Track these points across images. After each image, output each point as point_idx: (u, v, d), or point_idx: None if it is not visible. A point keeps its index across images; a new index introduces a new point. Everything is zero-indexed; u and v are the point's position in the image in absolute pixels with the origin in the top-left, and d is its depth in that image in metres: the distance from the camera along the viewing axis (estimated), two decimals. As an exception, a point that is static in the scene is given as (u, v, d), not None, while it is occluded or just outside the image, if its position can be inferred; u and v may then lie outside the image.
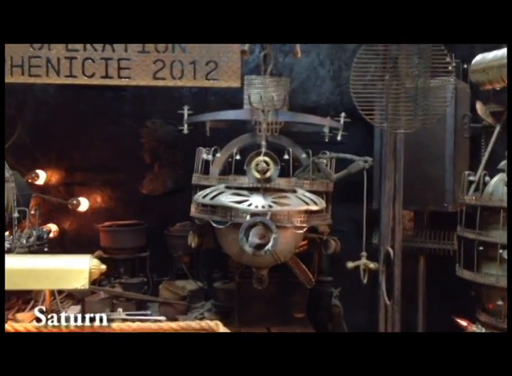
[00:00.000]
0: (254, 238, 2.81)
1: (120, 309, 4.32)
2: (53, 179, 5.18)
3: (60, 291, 4.52)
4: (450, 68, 3.55)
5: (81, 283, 2.86)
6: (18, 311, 4.32)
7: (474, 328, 3.52)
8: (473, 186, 3.64)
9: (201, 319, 4.40)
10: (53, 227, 4.94)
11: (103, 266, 3.06)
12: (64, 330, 2.56)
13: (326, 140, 3.75)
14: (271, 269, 3.68)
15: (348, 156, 3.41)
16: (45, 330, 2.57)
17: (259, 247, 2.84)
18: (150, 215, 5.11)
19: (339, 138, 3.64)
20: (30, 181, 4.82)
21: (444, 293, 4.69)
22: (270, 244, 2.88)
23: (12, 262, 2.69)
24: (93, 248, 4.69)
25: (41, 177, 4.91)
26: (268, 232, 2.88)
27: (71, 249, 5.13)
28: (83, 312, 4.36)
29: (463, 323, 3.64)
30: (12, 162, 4.80)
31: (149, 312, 4.42)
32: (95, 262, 3.00)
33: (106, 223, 4.99)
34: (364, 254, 3.42)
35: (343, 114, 3.71)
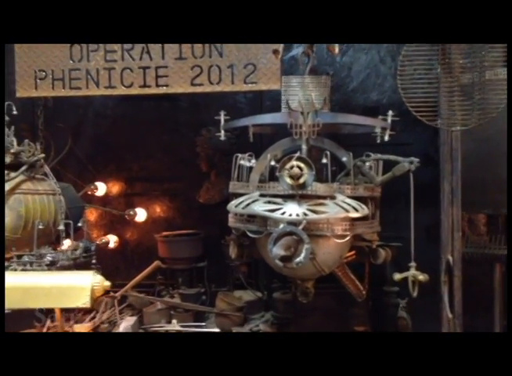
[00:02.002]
0: (278, 249, 2.62)
1: (174, 321, 4.31)
2: (113, 191, 5.25)
3: (121, 301, 4.58)
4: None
5: (83, 301, 2.78)
6: (77, 322, 4.39)
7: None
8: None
9: (257, 331, 4.28)
10: (113, 238, 5.00)
11: (107, 283, 2.96)
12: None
13: (378, 141, 3.49)
14: (328, 279, 3.49)
15: (392, 157, 3.13)
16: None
17: (285, 259, 2.64)
18: (208, 225, 5.04)
19: (386, 138, 3.36)
20: (89, 193, 4.89)
21: (523, 303, 4.26)
22: (302, 255, 2.66)
23: (11, 279, 2.65)
24: (153, 258, 4.70)
25: (101, 189, 4.98)
26: (299, 242, 2.67)
27: (132, 259, 5.21)
28: (141, 322, 4.38)
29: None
30: (72, 175, 4.95)
31: (203, 323, 4.37)
32: (99, 278, 2.90)
33: (164, 233, 4.98)
34: (413, 264, 3.12)
35: (390, 113, 3.43)
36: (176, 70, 3.59)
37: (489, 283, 4.36)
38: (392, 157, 3.13)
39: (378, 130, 3.44)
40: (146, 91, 3.61)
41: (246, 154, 3.41)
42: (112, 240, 4.97)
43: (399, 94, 4.88)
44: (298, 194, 2.91)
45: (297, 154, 2.88)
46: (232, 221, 3.31)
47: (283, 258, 2.62)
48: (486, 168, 4.00)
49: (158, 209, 5.29)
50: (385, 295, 4.42)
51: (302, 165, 2.82)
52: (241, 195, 3.25)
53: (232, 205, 3.08)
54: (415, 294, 3.08)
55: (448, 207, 3.52)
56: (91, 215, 5.20)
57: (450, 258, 3.44)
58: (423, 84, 3.31)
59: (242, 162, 3.38)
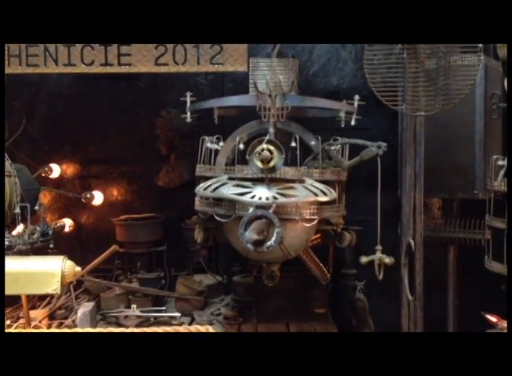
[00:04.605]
0: (250, 234, 2.59)
1: (133, 306, 4.23)
2: (68, 173, 5.10)
3: (76, 287, 4.46)
4: (479, 45, 3.26)
5: (53, 287, 2.69)
6: (32, 308, 4.26)
7: (505, 325, 3.24)
8: (502, 172, 3.36)
9: (218, 314, 4.27)
10: (68, 222, 4.86)
11: (78, 268, 2.88)
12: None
13: (342, 125, 3.50)
14: (289, 262, 3.49)
15: (360, 141, 3.15)
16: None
17: (258, 243, 2.62)
18: (167, 208, 4.98)
19: (353, 122, 3.39)
20: (43, 175, 4.73)
21: (476, 285, 4.43)
22: (273, 239, 2.65)
23: (-25, 264, 2.54)
24: (110, 243, 4.59)
25: (55, 171, 4.82)
26: (269, 226, 2.66)
27: (88, 243, 5.08)
28: (98, 308, 4.28)
29: (493, 319, 3.37)
30: (25, 156, 4.77)
31: (163, 308, 4.31)
32: (69, 264, 2.81)
33: (122, 217, 4.88)
34: (379, 247, 3.17)
35: (356, 97, 3.45)
36: (139, 48, 3.47)
37: (442, 265, 4.50)
38: (360, 142, 3.15)
39: (342, 114, 3.46)
40: (108, 69, 3.48)
41: (214, 137, 3.36)
42: (67, 224, 4.83)
43: (359, 79, 4.98)
44: (267, 178, 2.89)
45: (267, 137, 2.85)
46: (198, 204, 3.26)
47: (256, 243, 2.60)
48: (442, 153, 4.10)
49: (115, 192, 5.18)
50: (343, 278, 4.50)
51: (272, 148, 2.80)
52: (208, 178, 3.21)
53: (200, 188, 3.03)
54: (381, 277, 3.13)
55: (409, 191, 3.57)
56: (45, 197, 5.04)
57: (412, 241, 3.51)
58: (388, 69, 3.33)
59: (209, 145, 3.32)
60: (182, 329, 2.24)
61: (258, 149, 2.80)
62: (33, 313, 4.06)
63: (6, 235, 3.37)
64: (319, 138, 3.28)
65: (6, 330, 3.17)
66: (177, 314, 4.17)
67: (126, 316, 4.16)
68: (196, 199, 3.28)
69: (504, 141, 4.10)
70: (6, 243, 3.23)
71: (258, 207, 2.77)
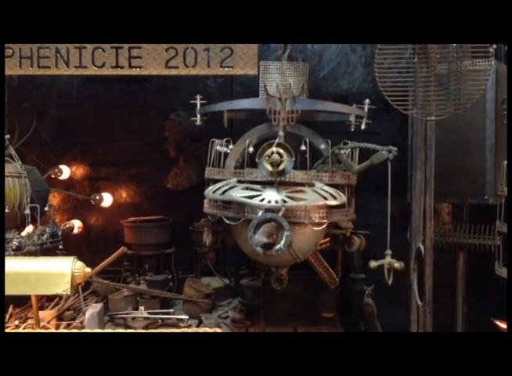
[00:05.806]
0: (260, 237, 2.59)
1: (141, 308, 4.23)
2: (78, 174, 5.12)
3: (85, 288, 4.46)
4: (490, 50, 3.25)
5: (62, 288, 2.69)
6: (40, 309, 4.26)
7: (515, 331, 3.21)
8: (513, 177, 3.33)
9: (225, 317, 4.27)
10: (77, 223, 4.87)
11: (88, 270, 2.88)
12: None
13: (352, 129, 3.50)
14: (297, 266, 3.49)
15: (371, 146, 3.15)
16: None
17: (267, 246, 2.61)
18: (175, 211, 4.99)
19: (363, 127, 3.38)
20: (53, 176, 4.75)
21: (485, 291, 4.39)
22: (282, 242, 2.64)
23: (-13, 265, 2.55)
24: (118, 244, 4.60)
25: (65, 172, 4.85)
26: (279, 229, 2.65)
27: (96, 245, 5.09)
28: (106, 309, 4.28)
29: (503, 325, 3.34)
30: (35, 158, 4.79)
31: (171, 310, 4.31)
32: (79, 265, 2.81)
33: (130, 219, 4.89)
34: (389, 252, 3.15)
35: (367, 101, 3.44)
36: (150, 51, 3.48)
37: (451, 271, 4.47)
38: (370, 146, 3.14)
39: (352, 118, 3.46)
40: (119, 72, 3.48)
41: (224, 140, 3.36)
42: (76, 226, 4.84)
43: (369, 83, 4.97)
44: (277, 181, 2.88)
45: (277, 141, 2.84)
46: (207, 207, 3.26)
47: (265, 246, 2.59)
48: (453, 158, 4.07)
49: (124, 194, 5.19)
50: (352, 282, 4.49)
51: (282, 152, 2.79)
52: (217, 181, 3.21)
53: (209, 191, 3.02)
54: (390, 281, 3.11)
55: (419, 195, 3.55)
56: (54, 199, 5.06)
57: (421, 246, 3.48)
58: (399, 74, 3.32)
59: (218, 148, 3.32)
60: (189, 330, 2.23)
61: (268, 152, 2.79)
62: (41, 314, 4.07)
63: (16, 235, 3.39)
64: (329, 142, 3.27)
65: (15, 331, 3.20)
66: (184, 316, 4.17)
67: (134, 318, 4.16)
68: (206, 202, 3.28)
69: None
70: (16, 243, 3.24)
71: (268, 210, 2.77)
